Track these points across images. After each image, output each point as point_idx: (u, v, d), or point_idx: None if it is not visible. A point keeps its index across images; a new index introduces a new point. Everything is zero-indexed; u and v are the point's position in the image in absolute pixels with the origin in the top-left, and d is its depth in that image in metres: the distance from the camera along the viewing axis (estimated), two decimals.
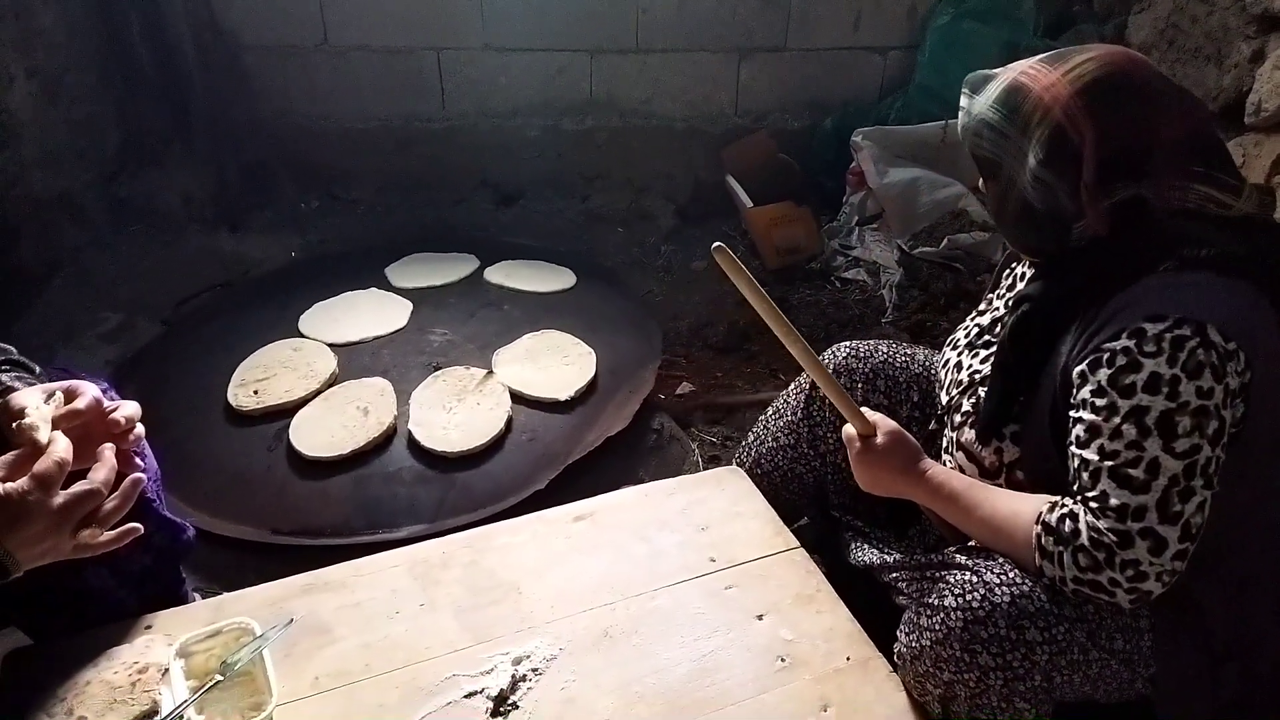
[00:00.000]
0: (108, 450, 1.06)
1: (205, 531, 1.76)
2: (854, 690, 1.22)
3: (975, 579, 1.14)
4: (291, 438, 2.03)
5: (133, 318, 2.68)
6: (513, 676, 1.22)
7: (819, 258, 3.19)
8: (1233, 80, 2.60)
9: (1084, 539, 1.06)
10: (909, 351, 1.61)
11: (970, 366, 1.37)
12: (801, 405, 1.61)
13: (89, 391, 1.11)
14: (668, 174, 3.56)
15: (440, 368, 2.28)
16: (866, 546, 1.47)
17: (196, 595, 1.51)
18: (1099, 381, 1.08)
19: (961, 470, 1.33)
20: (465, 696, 1.19)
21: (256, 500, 1.93)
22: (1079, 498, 1.10)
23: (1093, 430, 1.08)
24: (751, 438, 1.71)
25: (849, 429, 1.33)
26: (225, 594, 1.41)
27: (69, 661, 1.19)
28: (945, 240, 2.93)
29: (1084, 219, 1.14)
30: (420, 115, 3.41)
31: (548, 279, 2.78)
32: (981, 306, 1.48)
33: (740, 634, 1.29)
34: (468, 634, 1.29)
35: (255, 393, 2.17)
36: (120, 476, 1.06)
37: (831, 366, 1.59)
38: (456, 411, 2.12)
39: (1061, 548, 1.08)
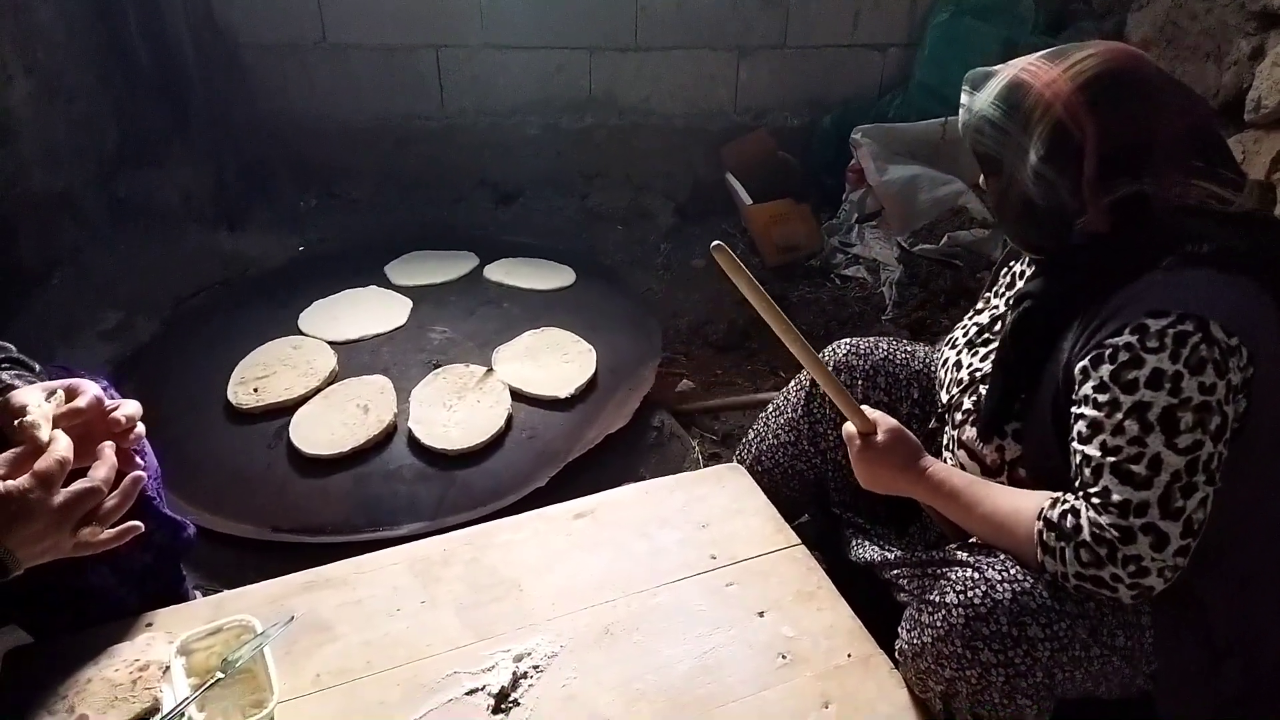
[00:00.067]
0: (108, 448, 1.06)
1: (206, 529, 1.76)
2: (855, 687, 1.22)
3: (976, 575, 1.14)
4: (292, 435, 2.03)
5: (132, 316, 2.68)
6: (514, 674, 1.22)
7: (819, 255, 3.19)
8: (1232, 77, 2.60)
9: (1086, 534, 1.06)
10: (909, 348, 1.61)
11: (970, 365, 1.37)
12: (802, 402, 1.61)
13: (90, 390, 1.11)
14: (667, 172, 3.56)
15: (440, 365, 2.28)
16: (867, 543, 1.47)
17: (197, 593, 1.51)
18: (1101, 377, 1.08)
19: (963, 468, 1.33)
20: (466, 694, 1.19)
21: (257, 498, 1.93)
22: (1081, 494, 1.10)
23: (1095, 426, 1.08)
24: (752, 435, 1.71)
25: (849, 427, 1.33)
26: (226, 591, 1.40)
27: (70, 659, 1.19)
28: (945, 237, 2.93)
29: (1085, 215, 1.14)
30: (419, 113, 3.41)
31: (547, 277, 2.78)
32: (979, 305, 1.48)
33: (741, 631, 1.29)
34: (469, 631, 1.29)
35: (255, 391, 2.17)
36: (120, 474, 1.06)
37: (832, 363, 1.59)
38: (457, 409, 2.12)
39: (1063, 543, 1.08)
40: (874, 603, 1.36)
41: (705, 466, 2.08)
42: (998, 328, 1.37)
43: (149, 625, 1.28)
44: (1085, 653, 1.10)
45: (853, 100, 3.54)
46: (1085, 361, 1.10)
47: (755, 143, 3.47)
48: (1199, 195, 1.11)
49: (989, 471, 1.29)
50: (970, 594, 1.13)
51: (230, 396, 2.15)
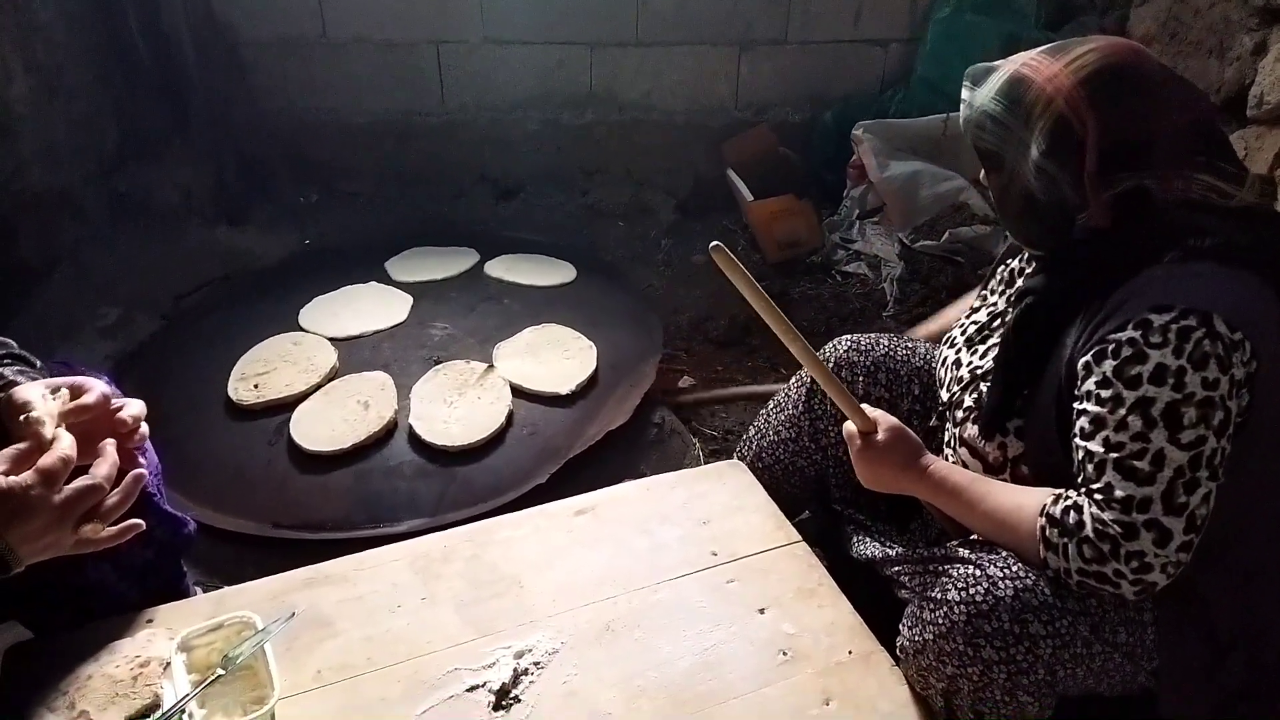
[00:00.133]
0: (110, 446, 1.06)
1: (206, 526, 1.76)
2: (856, 684, 1.22)
3: (978, 572, 1.14)
4: (292, 432, 2.03)
5: (132, 313, 2.68)
6: (515, 670, 1.22)
7: (820, 251, 3.19)
8: (1234, 73, 2.60)
9: (1089, 531, 1.06)
10: (910, 345, 1.60)
11: (970, 363, 1.36)
12: (803, 399, 1.61)
13: (97, 388, 1.11)
14: (668, 168, 3.56)
15: (441, 362, 2.28)
16: (868, 540, 1.47)
17: (198, 589, 1.51)
18: (1104, 373, 1.07)
19: (965, 466, 1.32)
20: (467, 690, 1.19)
21: (257, 494, 1.93)
22: (1083, 490, 1.09)
23: (1098, 422, 1.08)
24: (753, 431, 1.70)
25: (849, 426, 1.33)
26: (226, 588, 1.40)
27: (70, 656, 1.18)
28: (946, 234, 2.93)
29: (1087, 210, 1.14)
30: (419, 109, 3.40)
31: (548, 273, 2.78)
32: (976, 303, 1.48)
33: (742, 628, 1.29)
34: (469, 628, 1.29)
35: (255, 387, 2.17)
36: (122, 472, 1.06)
37: (832, 360, 1.58)
38: (457, 405, 2.12)
39: (1066, 540, 1.08)
40: (875, 600, 1.36)
41: (706, 463, 2.08)
42: (997, 325, 1.36)
43: (149, 622, 1.28)
44: (1087, 650, 1.10)
45: (854, 96, 3.53)
46: (1088, 356, 1.10)
47: (756, 139, 3.47)
48: (1200, 190, 1.11)
49: (991, 469, 1.29)
50: (972, 591, 1.12)
51: (231, 393, 2.15)
